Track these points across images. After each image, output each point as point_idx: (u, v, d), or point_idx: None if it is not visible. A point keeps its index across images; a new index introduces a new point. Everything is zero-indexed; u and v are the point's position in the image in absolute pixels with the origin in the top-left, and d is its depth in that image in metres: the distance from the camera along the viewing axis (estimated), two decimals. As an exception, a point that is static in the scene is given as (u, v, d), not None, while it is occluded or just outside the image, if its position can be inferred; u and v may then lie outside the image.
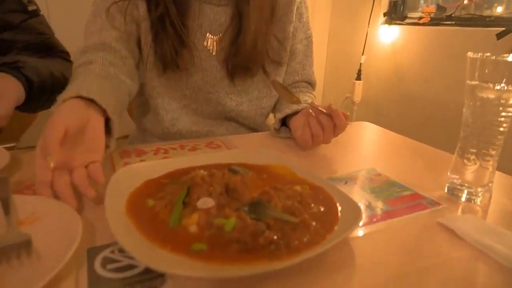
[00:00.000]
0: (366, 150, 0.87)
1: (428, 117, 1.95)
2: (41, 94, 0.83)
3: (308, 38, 1.01)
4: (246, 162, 0.63)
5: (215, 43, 0.88)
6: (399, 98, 2.12)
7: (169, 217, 0.44)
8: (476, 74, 0.52)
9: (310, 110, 0.78)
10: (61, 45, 1.02)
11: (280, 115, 0.86)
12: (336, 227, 0.45)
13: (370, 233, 0.48)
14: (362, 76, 2.42)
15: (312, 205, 0.49)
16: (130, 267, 0.39)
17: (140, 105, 1.00)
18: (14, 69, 0.76)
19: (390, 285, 0.38)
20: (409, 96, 2.07)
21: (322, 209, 0.49)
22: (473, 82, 0.53)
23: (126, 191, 0.51)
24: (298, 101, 0.82)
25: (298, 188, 0.51)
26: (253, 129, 1.02)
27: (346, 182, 0.64)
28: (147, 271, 0.38)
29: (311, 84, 1.04)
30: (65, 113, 0.54)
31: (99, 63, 0.75)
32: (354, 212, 0.46)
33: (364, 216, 0.52)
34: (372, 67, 2.39)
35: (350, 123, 0.75)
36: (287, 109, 0.85)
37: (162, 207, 0.47)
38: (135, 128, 1.08)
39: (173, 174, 0.58)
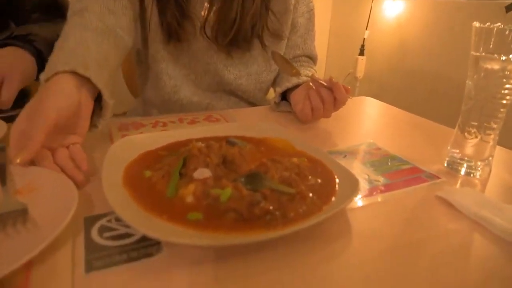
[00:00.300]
0: (366, 125, 0.86)
1: (432, 92, 1.93)
2: None
3: (310, 12, 0.98)
4: (244, 135, 0.63)
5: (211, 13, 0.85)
6: (402, 73, 2.09)
7: (166, 188, 0.44)
8: (481, 44, 0.51)
9: (311, 84, 0.77)
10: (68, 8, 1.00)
11: (280, 89, 0.85)
12: (333, 199, 0.45)
13: (368, 205, 0.48)
14: (365, 51, 2.37)
15: (310, 177, 0.49)
16: (127, 235, 0.39)
17: (142, 73, 0.98)
18: (26, 42, 0.75)
19: (387, 256, 0.39)
20: (414, 71, 2.03)
21: (319, 181, 0.49)
22: (478, 53, 0.52)
23: (123, 162, 0.51)
24: (298, 73, 0.81)
25: (295, 160, 0.51)
26: (252, 104, 1.01)
27: (345, 156, 0.63)
28: (143, 239, 0.38)
29: (312, 58, 1.03)
30: (57, 98, 0.50)
31: (97, 11, 0.70)
32: (352, 185, 0.46)
33: (362, 189, 0.52)
34: (375, 42, 2.34)
35: (351, 97, 0.74)
36: (287, 83, 0.84)
37: (159, 177, 0.47)
38: (135, 101, 1.07)
39: (171, 146, 0.58)
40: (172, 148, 0.56)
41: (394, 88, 2.21)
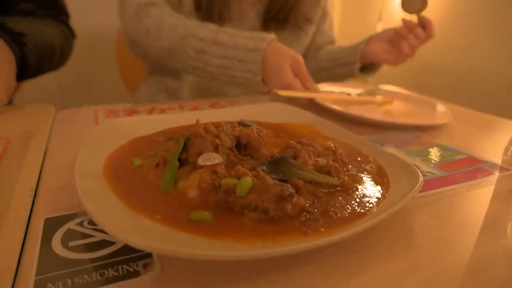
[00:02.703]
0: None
1: (448, 86, 1.81)
2: (32, 74, 0.71)
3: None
4: (259, 120, 0.51)
5: None
6: (418, 68, 1.96)
7: (161, 179, 0.33)
8: None
9: (403, 27, 0.81)
10: (64, 5, 0.89)
11: (358, 64, 0.86)
12: (386, 194, 0.33)
13: (424, 203, 0.36)
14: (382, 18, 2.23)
15: (350, 166, 0.38)
16: (104, 244, 0.27)
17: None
18: (16, 42, 0.64)
19: (461, 272, 0.27)
20: (430, 65, 1.91)
21: (363, 171, 0.37)
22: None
23: (107, 149, 0.39)
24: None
25: (330, 144, 0.39)
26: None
27: (382, 145, 0.52)
28: (127, 250, 0.26)
29: (334, 43, 1.02)
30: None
31: (161, 4, 0.76)
32: (409, 176, 0.35)
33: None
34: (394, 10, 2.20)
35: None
36: (357, 47, 0.87)
37: (152, 167, 0.35)
38: (137, 92, 0.97)
39: (169, 131, 0.47)
40: (171, 134, 0.45)
41: (408, 84, 2.08)
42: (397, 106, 0.72)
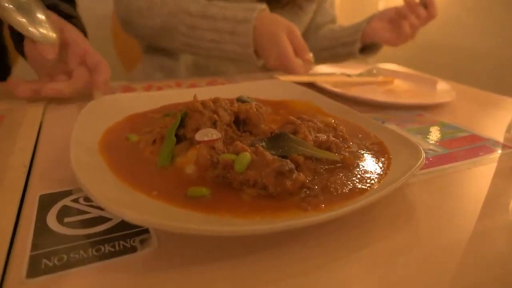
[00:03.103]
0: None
1: (452, 67, 1.78)
2: None
3: None
4: (258, 97, 0.50)
5: None
6: (422, 49, 1.93)
7: (158, 155, 0.32)
8: None
9: (405, 6, 0.79)
10: None
11: (358, 44, 0.85)
12: (388, 170, 0.32)
13: (425, 180, 0.36)
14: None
15: (351, 143, 0.37)
16: (100, 220, 0.27)
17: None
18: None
19: (461, 246, 0.26)
20: (436, 46, 1.88)
21: (364, 148, 0.36)
22: None
23: (103, 125, 0.38)
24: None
25: (331, 120, 0.38)
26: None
27: (383, 122, 0.51)
28: (124, 226, 0.26)
29: (335, 22, 1.00)
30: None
31: None
32: (409, 152, 0.34)
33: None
34: None
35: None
36: (358, 27, 0.85)
37: (148, 143, 0.34)
38: (140, 63, 0.95)
39: (166, 108, 0.46)
40: (168, 111, 0.44)
41: (409, 63, 2.06)
42: (398, 85, 0.71)
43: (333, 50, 0.90)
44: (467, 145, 0.44)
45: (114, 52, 1.23)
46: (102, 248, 0.24)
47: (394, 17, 0.82)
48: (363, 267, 0.24)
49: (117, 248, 0.24)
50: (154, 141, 0.34)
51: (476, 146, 0.44)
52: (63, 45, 0.51)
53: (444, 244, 0.26)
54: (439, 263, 0.24)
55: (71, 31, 0.53)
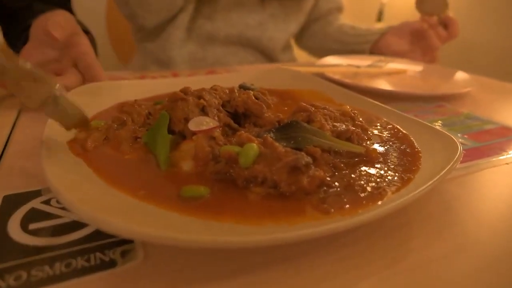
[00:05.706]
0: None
1: (460, 61, 1.73)
2: None
3: None
4: (262, 87, 0.45)
5: None
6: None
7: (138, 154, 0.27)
8: None
9: (423, 24, 0.74)
10: None
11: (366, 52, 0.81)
12: (419, 164, 0.27)
13: (460, 177, 0.31)
14: (384, 17, 2.13)
15: (371, 134, 0.32)
16: (73, 227, 0.22)
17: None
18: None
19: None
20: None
21: (386, 139, 0.31)
22: None
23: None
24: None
25: (347, 108, 0.33)
26: (275, 61, 0.86)
27: (401, 114, 0.46)
28: (102, 234, 0.21)
29: (341, 10, 0.94)
30: None
31: None
32: (441, 144, 0.29)
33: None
34: (397, 8, 2.09)
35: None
36: (370, 37, 0.81)
37: (99, 139, 0.29)
38: (135, 56, 0.90)
39: (158, 98, 0.40)
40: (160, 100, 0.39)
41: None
42: (411, 76, 0.66)
43: (341, 52, 0.86)
44: (499, 138, 0.39)
45: (109, 46, 1.18)
46: (74, 263, 0.19)
47: (412, 35, 0.77)
48: (402, 284, 0.19)
49: (92, 262, 0.19)
50: (106, 138, 0.29)
51: (508, 139, 0.39)
52: (69, 45, 0.45)
53: (491, 250, 0.21)
54: (494, 273, 0.19)
55: (86, 43, 0.47)
